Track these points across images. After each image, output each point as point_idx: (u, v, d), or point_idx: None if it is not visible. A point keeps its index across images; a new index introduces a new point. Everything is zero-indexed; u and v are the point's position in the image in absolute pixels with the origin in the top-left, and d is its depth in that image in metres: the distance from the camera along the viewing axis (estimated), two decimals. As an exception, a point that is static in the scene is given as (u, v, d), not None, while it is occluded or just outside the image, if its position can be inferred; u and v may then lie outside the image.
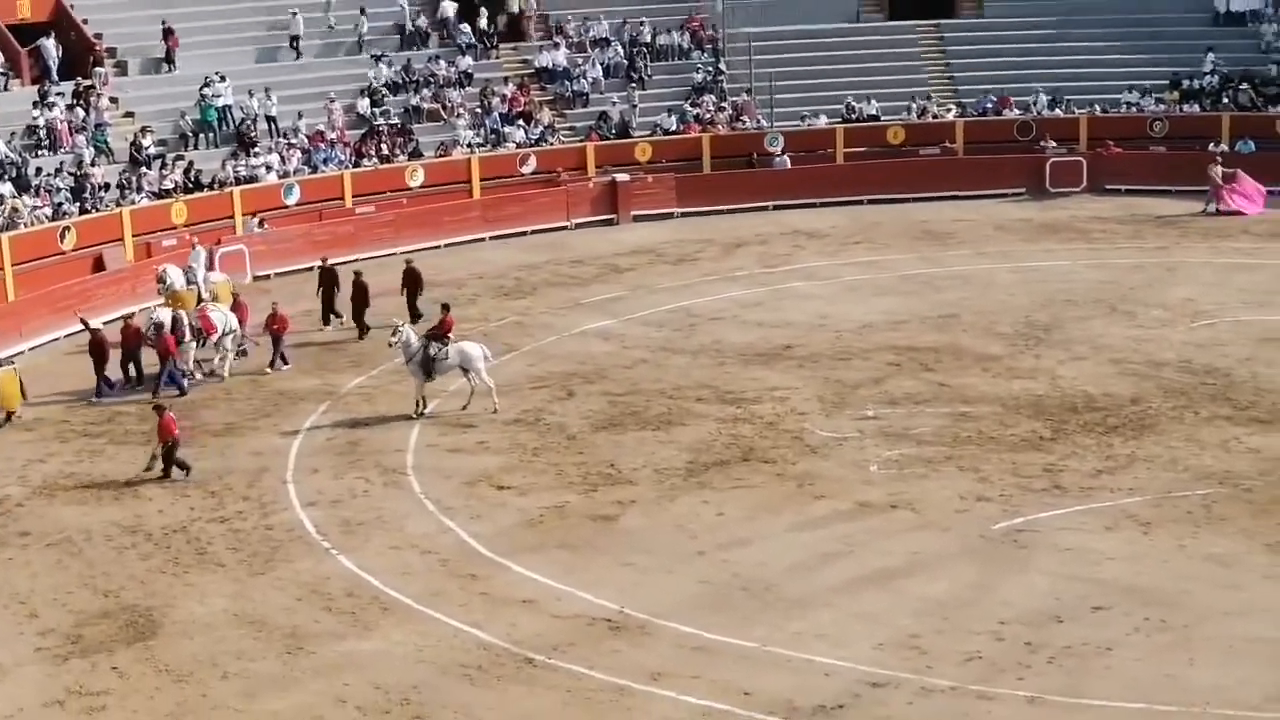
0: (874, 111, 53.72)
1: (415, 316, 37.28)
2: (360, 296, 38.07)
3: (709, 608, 23.17)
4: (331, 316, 38.66)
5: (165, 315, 34.94)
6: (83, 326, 35.54)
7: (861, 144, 52.48)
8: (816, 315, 38.44)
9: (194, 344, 35.23)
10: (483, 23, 55.18)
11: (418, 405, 32.21)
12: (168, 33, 50.42)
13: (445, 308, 33.77)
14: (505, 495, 27.86)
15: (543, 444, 30.37)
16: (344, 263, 41.05)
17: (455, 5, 55.09)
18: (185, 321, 35.13)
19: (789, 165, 51.74)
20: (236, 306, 36.46)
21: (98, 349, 34.52)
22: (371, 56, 52.70)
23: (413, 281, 38.86)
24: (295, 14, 52.85)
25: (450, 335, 32.58)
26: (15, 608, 23.99)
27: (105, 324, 36.44)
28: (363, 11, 53.43)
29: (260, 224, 45.58)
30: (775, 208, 50.25)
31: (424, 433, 31.18)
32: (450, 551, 25.56)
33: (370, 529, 26.59)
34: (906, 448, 29.33)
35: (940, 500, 26.85)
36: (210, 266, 40.93)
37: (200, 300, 38.21)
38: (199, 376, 35.20)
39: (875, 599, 23.29)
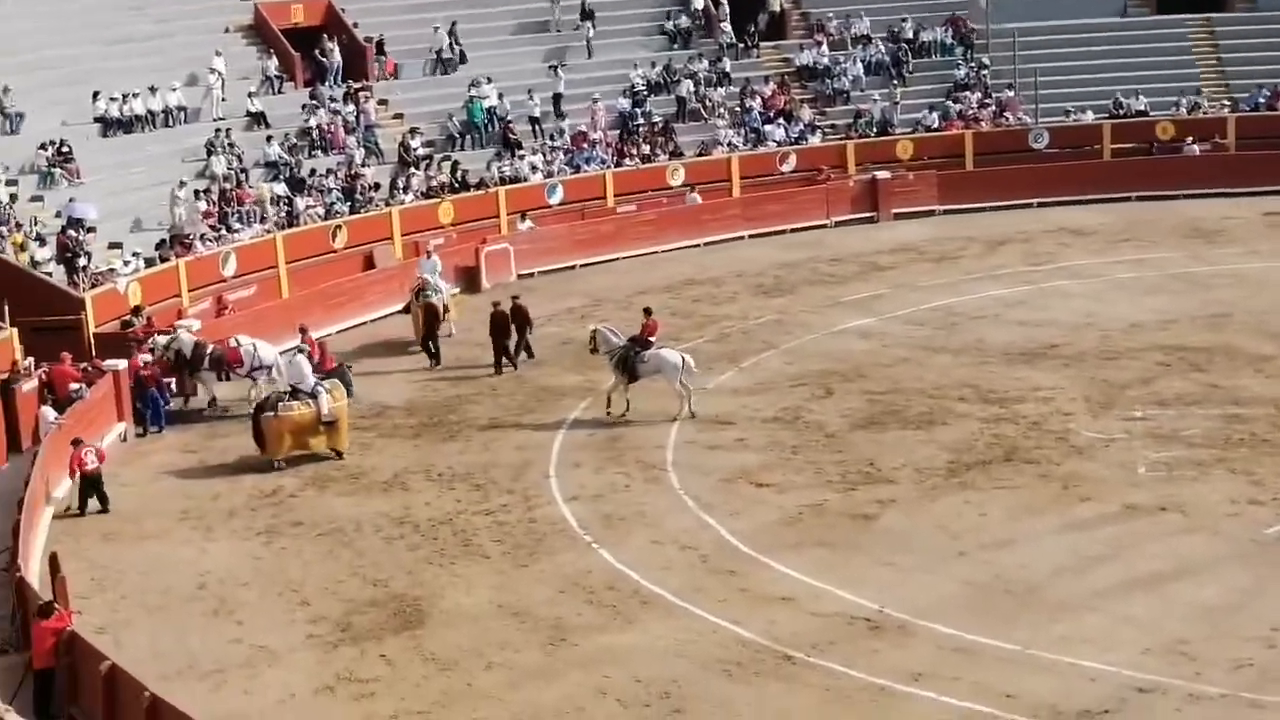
0: (1142, 107, 52.58)
1: (498, 363, 35.81)
2: (519, 322, 36.16)
3: (970, 609, 22.92)
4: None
5: (187, 341, 33.77)
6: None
7: (1129, 140, 51.38)
8: (1083, 314, 37.76)
9: (213, 375, 33.80)
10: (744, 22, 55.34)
11: (609, 404, 32.23)
12: (440, 35, 51.45)
13: (647, 311, 33.76)
14: (764, 493, 27.88)
15: (801, 442, 30.33)
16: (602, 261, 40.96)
17: (714, 5, 55.29)
18: (207, 350, 33.72)
19: (1198, 152, 50.66)
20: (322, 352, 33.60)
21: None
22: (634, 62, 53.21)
23: (515, 322, 36.06)
24: (555, 12, 53.64)
25: (653, 339, 32.59)
26: (288, 595, 24.69)
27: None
28: (587, 17, 53.73)
29: (523, 219, 46.26)
30: (1039, 205, 49.41)
31: (683, 429, 31.33)
32: (709, 548, 25.66)
33: (631, 524, 26.83)
34: (1176, 449, 28.68)
35: (1210, 503, 26.19)
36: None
37: (446, 310, 37.77)
38: (208, 408, 33.84)
39: (1142, 603, 22.80)
